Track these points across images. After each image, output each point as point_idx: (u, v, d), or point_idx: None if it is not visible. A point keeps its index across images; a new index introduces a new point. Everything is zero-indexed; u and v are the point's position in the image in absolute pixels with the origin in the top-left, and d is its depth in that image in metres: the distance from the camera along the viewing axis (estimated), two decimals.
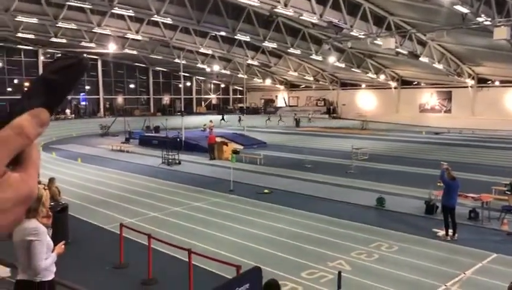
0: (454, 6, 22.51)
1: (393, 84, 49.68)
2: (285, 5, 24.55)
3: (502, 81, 42.25)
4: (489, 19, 24.17)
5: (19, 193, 0.54)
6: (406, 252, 10.22)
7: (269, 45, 38.17)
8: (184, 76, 48.55)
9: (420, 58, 35.13)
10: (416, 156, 25.84)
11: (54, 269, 4.53)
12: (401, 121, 46.79)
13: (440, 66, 37.91)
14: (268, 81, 59.26)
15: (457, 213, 11.50)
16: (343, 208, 14.42)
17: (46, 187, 10.70)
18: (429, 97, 48.33)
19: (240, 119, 43.32)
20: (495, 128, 38.92)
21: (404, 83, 49.82)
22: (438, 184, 13.58)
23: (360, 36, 30.93)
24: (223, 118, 48.57)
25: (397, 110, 50.07)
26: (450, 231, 11.20)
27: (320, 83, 54.84)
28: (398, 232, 11.73)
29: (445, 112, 47.07)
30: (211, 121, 33.61)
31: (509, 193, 12.94)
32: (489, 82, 43.47)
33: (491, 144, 31.31)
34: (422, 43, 34.77)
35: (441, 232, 11.48)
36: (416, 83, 49.36)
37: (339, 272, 6.78)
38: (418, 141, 33.84)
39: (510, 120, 40.41)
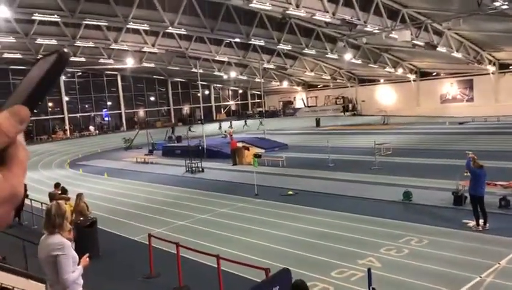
0: None
1: (411, 76, 49.01)
2: (297, 6, 24.56)
3: None
4: (506, 3, 23.67)
5: (1, 193, 0.54)
6: (436, 245, 10.06)
7: (284, 47, 38.20)
8: (202, 85, 49.00)
9: (438, 49, 34.58)
10: (440, 148, 25.43)
11: (81, 281, 4.61)
12: (422, 113, 46.09)
13: (459, 55, 37.24)
14: (285, 84, 59.24)
15: (487, 202, 11.27)
16: (369, 205, 14.28)
17: (66, 202, 10.97)
18: (450, 87, 47.47)
19: (261, 123, 43.44)
20: None
21: (423, 74, 49.09)
22: (465, 174, 13.33)
23: (374, 31, 30.67)
24: (245, 124, 48.86)
25: (418, 103, 49.35)
26: (481, 221, 10.98)
27: (338, 81, 54.52)
28: (427, 225, 11.56)
29: (467, 100, 46.14)
30: (230, 127, 33.75)
31: None
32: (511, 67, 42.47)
33: None
34: (439, 33, 34.23)
35: (472, 223, 11.26)
36: (435, 73, 48.58)
37: (369, 270, 6.73)
38: (442, 132, 33.29)
39: None
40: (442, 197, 14.01)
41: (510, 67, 42.47)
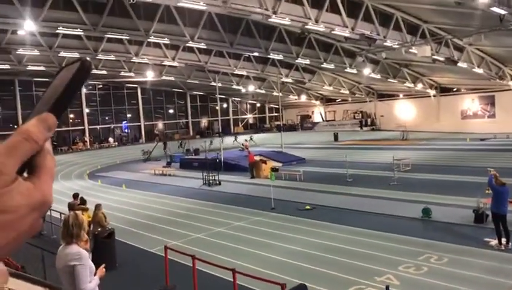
0: (491, 8, 21.91)
1: (431, 92, 48.50)
2: (316, 21, 24.64)
3: None
4: None
5: (32, 200, 0.55)
6: (457, 264, 9.84)
7: (302, 61, 38.28)
8: (220, 98, 49.32)
9: (458, 64, 34.22)
10: (461, 164, 25.02)
11: None
12: (442, 129, 45.47)
13: (480, 71, 36.75)
14: (303, 98, 59.23)
15: (510, 221, 11.02)
16: (387, 221, 14.08)
17: (84, 212, 11.07)
18: (471, 103, 46.81)
19: (251, 139, 43.67)
20: None
21: (444, 90, 48.54)
22: (487, 191, 13.09)
23: (394, 46, 30.53)
24: (251, 138, 48.32)
25: (438, 119, 48.72)
26: (503, 240, 10.72)
27: (357, 95, 54.28)
28: (447, 243, 11.33)
29: (488, 117, 45.38)
30: (246, 140, 33.78)
31: None
32: None
33: None
34: (460, 49, 33.89)
35: (493, 242, 11.00)
36: (456, 89, 47.99)
37: (387, 287, 6.62)
38: (463, 148, 32.77)
39: None
40: (463, 214, 13.73)
41: None
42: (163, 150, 40.88)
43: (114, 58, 35.85)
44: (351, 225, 13.72)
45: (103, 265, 4.84)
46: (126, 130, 55.49)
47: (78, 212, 4.96)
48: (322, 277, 9.64)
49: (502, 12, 22.41)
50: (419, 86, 46.67)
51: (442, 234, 12.24)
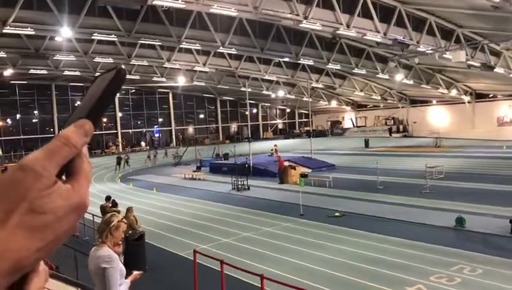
0: None
1: (466, 98, 47.30)
2: (348, 27, 24.46)
3: None
4: None
5: (70, 202, 0.57)
6: (491, 276, 9.53)
7: (333, 66, 38.04)
8: (250, 103, 49.54)
9: (495, 70, 33.26)
10: (497, 173, 24.25)
11: None
12: (477, 136, 44.22)
13: None
14: (334, 103, 58.81)
15: None
16: (419, 230, 13.77)
17: (123, 218, 11.26)
18: (508, 109, 45.39)
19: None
20: None
21: (479, 96, 47.27)
22: None
23: (427, 51, 29.96)
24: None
25: (473, 125, 47.45)
26: None
27: (389, 101, 53.49)
28: (481, 254, 10.99)
29: None
30: (275, 146, 33.74)
31: None
32: None
33: None
34: (496, 54, 32.95)
35: None
36: (492, 95, 46.67)
37: None
38: (499, 156, 31.76)
39: None
40: (499, 224, 13.29)
41: None
42: (176, 156, 42.16)
43: (147, 64, 36.59)
44: (382, 233, 13.49)
45: (140, 272, 4.86)
46: (157, 135, 56.38)
47: (115, 214, 5.04)
48: (351, 285, 9.51)
49: None
50: (454, 92, 45.59)
51: (477, 244, 11.88)
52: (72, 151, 0.59)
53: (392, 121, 55.40)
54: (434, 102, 51.52)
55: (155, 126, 56.08)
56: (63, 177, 0.59)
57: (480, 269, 9.96)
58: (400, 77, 39.88)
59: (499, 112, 45.94)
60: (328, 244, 12.80)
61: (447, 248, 11.64)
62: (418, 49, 29.26)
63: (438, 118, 51.42)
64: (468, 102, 47.62)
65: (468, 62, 31.16)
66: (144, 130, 55.24)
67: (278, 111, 67.11)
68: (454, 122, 49.48)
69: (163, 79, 43.35)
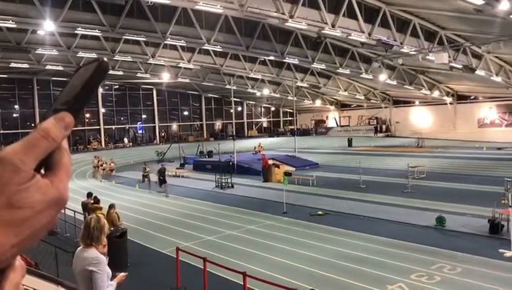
0: (511, 16, 21.62)
1: (448, 99, 47.97)
2: (333, 26, 24.57)
3: None
4: None
5: (49, 197, 0.56)
6: (470, 274, 9.69)
7: (318, 66, 38.19)
8: (235, 101, 49.45)
9: (476, 72, 33.79)
10: (477, 173, 24.68)
11: None
12: (458, 137, 44.92)
13: (498, 79, 36.23)
14: (318, 102, 59.07)
15: None
16: (400, 229, 13.94)
17: (105, 216, 11.16)
18: (488, 111, 46.18)
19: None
20: None
21: (460, 97, 47.98)
22: (503, 201, 12.90)
23: (411, 52, 30.29)
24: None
25: (454, 126, 48.16)
26: None
27: (372, 101, 53.95)
28: (461, 253, 11.17)
29: (506, 126, 44.69)
30: (260, 144, 33.74)
31: None
32: None
33: None
34: (478, 56, 33.47)
35: (509, 253, 10.82)
36: (473, 97, 47.41)
37: None
38: (479, 157, 32.32)
39: None
40: (478, 224, 13.54)
41: None
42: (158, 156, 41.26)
43: (131, 60, 36.23)
44: (364, 232, 13.62)
45: (126, 274, 4.78)
46: (141, 131, 55.97)
47: (101, 215, 4.95)
48: (332, 283, 9.58)
49: None
50: (436, 93, 46.19)
51: (456, 243, 12.08)
52: (51, 144, 0.57)
53: (375, 121, 55.92)
54: (417, 103, 52.12)
55: (138, 122, 55.62)
56: (42, 171, 0.58)
57: (459, 267, 10.12)
58: (383, 77, 40.25)
59: (480, 113, 46.71)
60: (310, 242, 12.87)
61: (427, 247, 11.80)
62: (401, 50, 29.55)
63: (420, 118, 52.06)
64: (450, 103, 48.31)
65: (451, 64, 31.60)
66: (127, 126, 54.75)
67: (262, 109, 67.15)
68: (436, 123, 50.16)
69: (148, 75, 42.99)
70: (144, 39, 30.11)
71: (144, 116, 55.99)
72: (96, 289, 4.28)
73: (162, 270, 10.97)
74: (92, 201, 14.04)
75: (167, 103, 57.17)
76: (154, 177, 24.76)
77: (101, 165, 32.57)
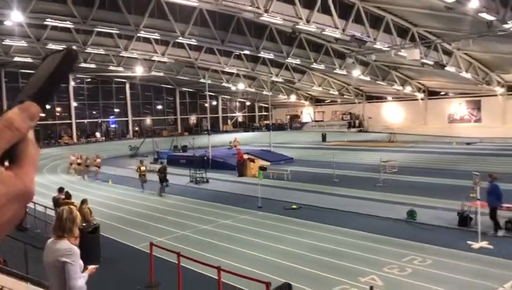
0: (480, 14, 22.16)
1: (419, 95, 48.94)
2: (308, 22, 24.67)
3: None
4: None
5: (13, 189, 0.54)
6: (440, 266, 9.94)
7: (293, 61, 38.34)
8: (210, 95, 49.16)
9: (446, 68, 34.55)
10: (447, 167, 25.30)
11: (85, 288, 4.57)
12: (429, 132, 45.93)
13: (468, 75, 37.16)
14: (293, 97, 59.34)
15: (489, 224, 11.19)
16: (373, 222, 14.18)
17: (77, 208, 10.97)
18: (458, 107, 47.34)
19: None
20: None
21: (431, 93, 49.02)
22: (471, 195, 13.26)
23: (383, 48, 30.73)
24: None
25: (425, 122, 49.19)
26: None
27: (346, 97, 54.55)
28: (431, 245, 11.44)
29: (475, 121, 45.96)
30: (235, 139, 33.70)
31: None
32: None
33: None
34: (448, 53, 34.23)
35: (476, 245, 11.15)
36: (443, 93, 48.49)
37: (371, 288, 6.66)
38: (449, 152, 33.12)
39: None
40: (447, 217, 13.89)
41: None
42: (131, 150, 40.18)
43: (103, 52, 35.55)
44: (337, 225, 13.79)
45: (96, 266, 4.75)
46: (113, 125, 55.10)
47: (73, 207, 4.86)
48: (307, 276, 9.67)
49: (490, 18, 22.67)
50: (408, 89, 47.05)
51: (427, 236, 12.36)
52: (15, 135, 0.55)
53: (349, 116, 56.59)
54: (389, 98, 52.97)
55: (111, 116, 54.72)
56: (6, 163, 0.56)
57: (430, 259, 10.37)
58: (356, 73, 40.72)
59: (450, 109, 47.84)
60: (285, 236, 12.96)
61: (399, 240, 12.05)
62: (374, 46, 29.95)
63: (392, 114, 52.95)
64: (421, 99, 49.29)
65: (422, 60, 32.20)
66: (100, 120, 53.80)
67: (237, 104, 67.02)
68: (408, 118, 51.12)
69: (121, 68, 42.27)
70: (116, 32, 29.57)
71: (116, 110, 55.10)
72: (69, 280, 4.22)
73: (135, 266, 10.86)
74: (64, 196, 13.76)
75: (140, 97, 56.39)
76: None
77: (85, 161, 30.39)
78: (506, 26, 23.77)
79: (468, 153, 31.78)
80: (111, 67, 41.83)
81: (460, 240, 11.69)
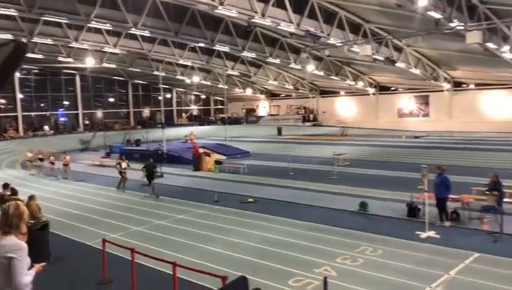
0: (428, 12, 22.98)
1: (371, 90, 50.32)
2: (263, 15, 24.74)
3: (476, 84, 43.20)
4: (462, 24, 24.74)
5: None
6: (390, 256, 10.30)
7: (248, 55, 38.37)
8: (164, 88, 48.41)
9: (397, 64, 35.68)
10: (397, 160, 26.19)
11: (31, 286, 4.44)
12: (380, 126, 47.37)
13: (417, 71, 38.56)
14: (249, 91, 59.43)
15: (435, 215, 11.68)
16: (327, 214, 14.49)
17: (25, 204, 10.51)
18: (407, 102, 49.06)
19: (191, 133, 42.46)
20: (472, 131, 39.75)
21: (382, 88, 50.52)
22: (419, 187, 13.80)
23: (337, 44, 31.32)
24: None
25: (376, 116, 50.68)
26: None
27: (300, 91, 55.24)
28: (382, 235, 11.83)
29: (423, 116, 47.81)
30: (191, 132, 33.40)
31: (488, 193, 13.19)
32: (465, 85, 44.39)
33: (468, 145, 31.92)
34: (399, 49, 35.35)
35: (424, 234, 11.63)
36: (394, 88, 50.07)
37: (325, 278, 6.79)
38: (399, 145, 34.29)
39: (486, 122, 41.31)
40: (397, 208, 14.39)
41: (463, 86, 44.40)
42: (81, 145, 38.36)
43: (51, 42, 34.18)
44: (292, 218, 13.98)
45: (43, 264, 4.60)
46: (63, 118, 53.19)
47: (20, 202, 4.67)
48: (262, 269, 9.75)
49: (438, 16, 23.56)
50: (360, 84, 48.24)
51: (378, 226, 12.77)
52: None
53: (304, 110, 57.36)
54: (342, 93, 54.12)
55: (60, 109, 52.77)
56: None
57: (380, 249, 10.72)
58: (311, 67, 41.29)
59: (400, 104, 49.48)
60: (241, 229, 13.00)
61: (352, 231, 12.37)
62: (328, 41, 30.46)
63: (345, 108, 54.16)
64: (373, 94, 50.69)
65: (374, 56, 33.10)
66: (48, 113, 51.75)
67: (193, 97, 66.37)
68: (360, 112, 52.47)
69: (70, 59, 40.79)
70: (65, 21, 28.52)
71: (66, 102, 53.19)
72: (15, 276, 4.09)
73: (87, 263, 10.56)
74: (9, 193, 13.15)
75: (91, 89, 54.68)
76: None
77: (48, 157, 27.48)
78: (452, 24, 24.78)
79: (417, 146, 33.04)
80: (60, 58, 40.30)
81: (409, 230, 12.15)
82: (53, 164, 26.33)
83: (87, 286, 9.24)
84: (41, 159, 28.16)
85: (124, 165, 20.87)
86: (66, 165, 25.08)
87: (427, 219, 12.03)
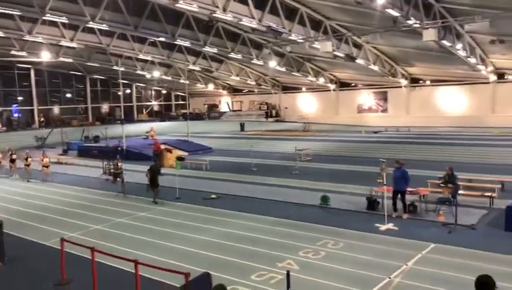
0: (386, 10, 23.54)
1: (332, 86, 51.13)
2: (224, 10, 24.62)
3: (432, 81, 44.71)
4: (418, 22, 25.50)
5: None
6: (351, 248, 10.52)
7: (210, 50, 38.13)
8: (123, 83, 47.44)
9: (356, 61, 36.40)
10: (357, 155, 26.73)
11: None
12: (341, 121, 48.24)
13: (375, 68, 39.48)
14: (211, 87, 59.12)
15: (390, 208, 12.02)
16: (289, 209, 14.63)
17: None
18: (366, 98, 50.17)
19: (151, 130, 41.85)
20: (428, 126, 41.13)
21: (343, 84, 51.44)
22: (378, 180, 14.15)
23: (298, 40, 31.60)
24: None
25: (337, 112, 51.57)
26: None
27: (263, 87, 55.45)
28: (343, 229, 12.06)
29: (382, 111, 49.04)
30: (151, 128, 32.89)
31: (443, 185, 13.67)
32: (421, 82, 45.85)
33: (425, 140, 32.98)
34: (358, 46, 36.06)
35: (383, 227, 11.94)
36: (353, 84, 51.08)
37: (288, 272, 6.86)
38: (358, 140, 35.01)
39: (441, 117, 42.85)
40: (357, 201, 14.71)
41: (420, 82, 45.83)
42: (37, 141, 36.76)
43: (3, 35, 32.75)
44: (255, 213, 14.03)
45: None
46: (16, 114, 51.19)
47: None
48: (226, 264, 9.75)
49: (396, 14, 24.19)
50: (321, 80, 48.91)
51: (339, 220, 13.00)
52: None
53: (266, 106, 57.62)
54: (303, 89, 54.73)
55: (14, 105, 50.74)
56: None
57: (341, 242, 10.93)
58: (273, 63, 41.52)
59: (359, 100, 50.54)
60: (204, 226, 12.94)
61: (314, 225, 12.55)
62: (290, 37, 30.70)
63: (306, 104, 54.82)
64: (333, 90, 51.52)
65: (334, 52, 33.62)
66: (0, 109, 49.66)
67: (153, 92, 65.38)
68: (321, 108, 53.25)
69: (24, 53, 39.27)
70: (18, 13, 27.38)
71: (20, 98, 51.20)
72: None
73: (45, 263, 10.23)
74: None
75: (47, 84, 52.88)
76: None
77: (25, 159, 23.52)
78: (409, 22, 25.50)
79: (376, 141, 33.84)
80: (13, 52, 38.72)
81: (369, 223, 12.45)
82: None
83: (45, 286, 8.95)
84: (12, 160, 25.20)
85: (120, 164, 19.66)
86: (46, 167, 22.57)
87: (386, 212, 12.38)
